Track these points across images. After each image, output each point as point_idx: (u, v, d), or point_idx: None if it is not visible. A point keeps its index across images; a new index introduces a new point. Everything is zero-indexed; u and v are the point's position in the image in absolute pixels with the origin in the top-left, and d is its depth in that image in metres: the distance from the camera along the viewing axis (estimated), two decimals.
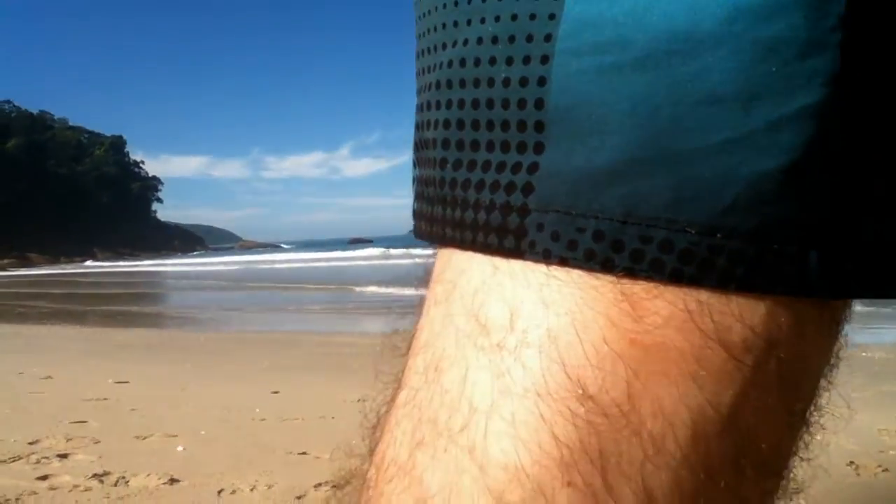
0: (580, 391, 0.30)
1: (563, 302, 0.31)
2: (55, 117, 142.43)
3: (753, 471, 0.32)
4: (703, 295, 0.30)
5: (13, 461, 3.07)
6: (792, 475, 0.37)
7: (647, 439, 0.30)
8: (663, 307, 0.30)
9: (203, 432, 3.76)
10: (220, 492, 2.65)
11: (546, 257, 0.31)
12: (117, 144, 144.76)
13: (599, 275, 0.30)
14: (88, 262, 68.52)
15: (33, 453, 3.22)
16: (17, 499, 2.49)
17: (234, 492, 2.65)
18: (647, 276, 0.30)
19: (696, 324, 0.30)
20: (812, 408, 0.36)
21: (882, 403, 4.29)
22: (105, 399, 4.83)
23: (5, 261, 77.60)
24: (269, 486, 2.68)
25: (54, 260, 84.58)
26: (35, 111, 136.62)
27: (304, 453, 3.22)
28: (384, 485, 0.35)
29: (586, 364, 0.30)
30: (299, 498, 2.52)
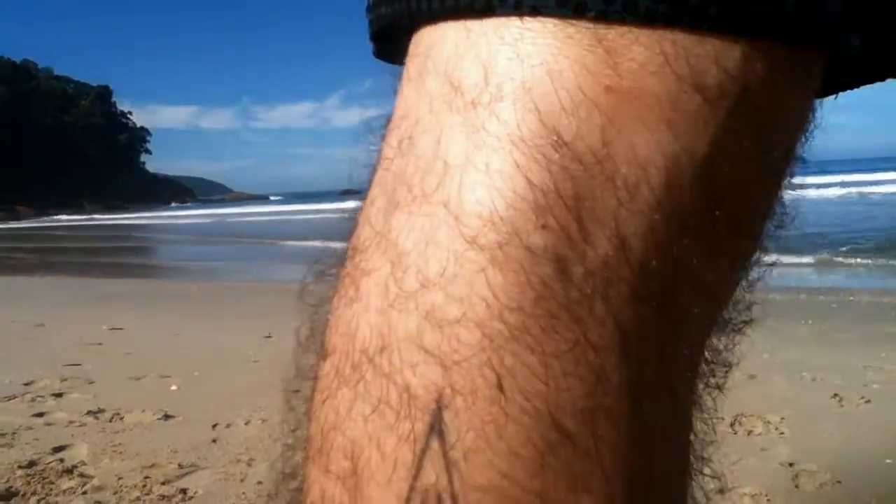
0: (555, 138, 0.30)
1: (538, 53, 0.31)
2: (39, 67, 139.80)
3: (727, 225, 0.33)
4: (679, 37, 0.30)
5: (8, 400, 3.09)
6: (766, 250, 0.38)
7: (622, 186, 0.30)
8: (639, 52, 0.30)
9: (196, 373, 3.79)
10: (214, 426, 2.68)
11: (518, 9, 0.31)
12: (104, 94, 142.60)
13: (573, 21, 0.30)
14: (62, 217, 67.01)
15: (28, 393, 3.24)
16: (13, 433, 2.51)
17: (229, 426, 2.68)
18: (621, 18, 0.30)
19: (672, 68, 0.30)
20: (786, 172, 0.36)
21: (868, 343, 4.36)
22: (99, 344, 4.86)
23: None
24: (264, 420, 2.71)
25: (42, 213, 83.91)
26: (18, 60, 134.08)
27: (298, 391, 3.25)
28: (359, 256, 0.35)
29: (561, 112, 0.30)
30: (295, 431, 2.55)
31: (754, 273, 0.38)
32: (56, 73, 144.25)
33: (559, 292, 0.30)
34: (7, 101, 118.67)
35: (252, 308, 7.12)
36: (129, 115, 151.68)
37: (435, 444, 0.30)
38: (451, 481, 0.30)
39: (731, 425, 2.52)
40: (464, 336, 0.30)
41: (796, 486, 1.97)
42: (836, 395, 2.92)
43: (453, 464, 0.30)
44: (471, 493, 0.30)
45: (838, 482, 1.98)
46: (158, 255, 19.26)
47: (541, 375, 0.30)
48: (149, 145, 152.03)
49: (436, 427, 0.31)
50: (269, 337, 5.17)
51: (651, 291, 0.31)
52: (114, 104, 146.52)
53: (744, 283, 0.37)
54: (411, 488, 0.31)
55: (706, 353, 0.38)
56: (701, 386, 0.38)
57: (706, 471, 0.40)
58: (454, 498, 0.30)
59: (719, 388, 0.40)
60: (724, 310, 0.37)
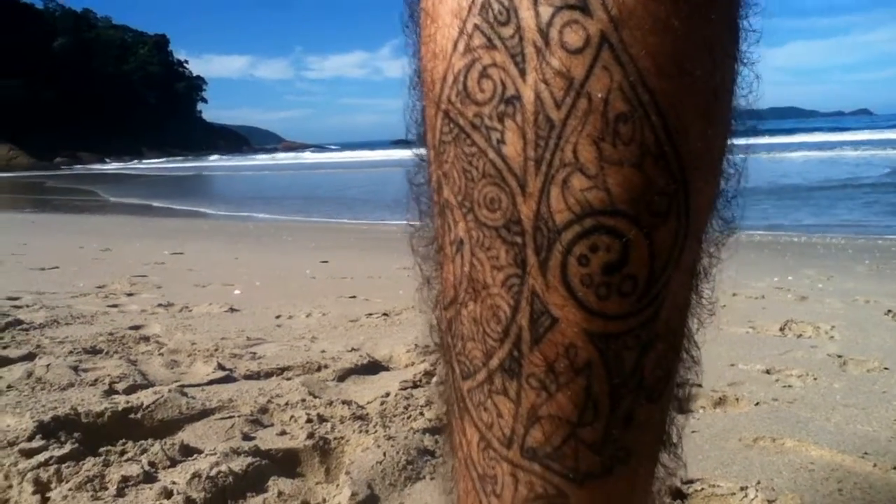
0: None
1: None
2: (98, 16, 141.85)
3: None
4: None
5: (84, 296, 3.28)
6: None
7: None
8: None
9: (258, 283, 3.94)
10: (278, 316, 2.80)
11: None
12: (161, 43, 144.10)
13: None
14: (112, 164, 67.80)
15: (101, 292, 3.43)
16: (91, 316, 2.68)
17: (291, 317, 2.80)
18: None
19: None
20: None
21: None
22: (163, 263, 5.06)
23: (58, 159, 79.27)
24: (324, 314, 2.83)
25: (103, 159, 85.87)
26: (79, 10, 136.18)
27: (353, 297, 3.37)
28: None
29: None
30: (353, 321, 2.66)
31: None
32: (114, 22, 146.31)
33: None
34: (69, 51, 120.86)
35: (308, 242, 7.29)
36: (185, 64, 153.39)
37: None
38: None
39: (781, 329, 2.54)
40: None
41: (843, 371, 1.99)
42: (889, 311, 2.90)
43: None
44: None
45: (886, 369, 1.99)
46: (212, 199, 19.69)
47: None
48: (204, 94, 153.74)
49: None
50: (325, 262, 5.32)
51: None
52: (170, 53, 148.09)
53: None
54: None
55: None
56: None
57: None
58: None
59: None
60: None
